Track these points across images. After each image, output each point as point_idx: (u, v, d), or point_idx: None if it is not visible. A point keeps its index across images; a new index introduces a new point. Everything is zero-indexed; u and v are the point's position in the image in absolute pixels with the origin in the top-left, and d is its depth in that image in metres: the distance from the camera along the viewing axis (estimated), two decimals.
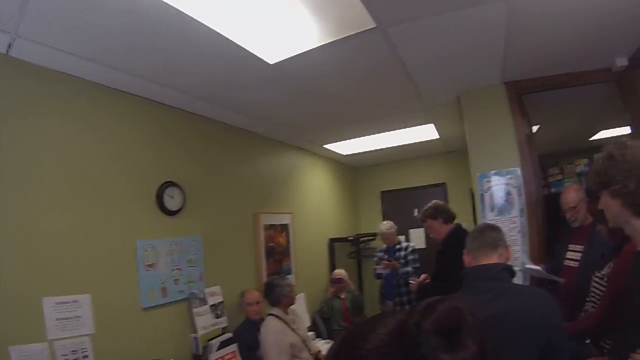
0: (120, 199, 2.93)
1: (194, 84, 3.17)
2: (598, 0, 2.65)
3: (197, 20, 2.28)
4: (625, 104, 3.90)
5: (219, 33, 2.43)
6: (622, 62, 3.64)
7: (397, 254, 5.31)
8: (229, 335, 3.50)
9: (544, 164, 7.08)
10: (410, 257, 5.26)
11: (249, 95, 3.53)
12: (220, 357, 3.25)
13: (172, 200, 3.33)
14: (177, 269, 3.27)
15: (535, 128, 5.49)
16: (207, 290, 3.52)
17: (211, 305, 3.50)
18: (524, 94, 4.13)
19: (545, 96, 4.35)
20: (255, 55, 2.79)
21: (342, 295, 5.30)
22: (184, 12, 2.18)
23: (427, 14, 2.61)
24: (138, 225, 3.04)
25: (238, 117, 4.06)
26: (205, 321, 3.39)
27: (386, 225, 5.44)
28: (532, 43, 3.22)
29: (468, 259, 2.06)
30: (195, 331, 3.31)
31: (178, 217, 3.39)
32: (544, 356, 1.80)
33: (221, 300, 3.63)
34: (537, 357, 1.79)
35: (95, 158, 2.80)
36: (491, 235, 2.04)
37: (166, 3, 2.08)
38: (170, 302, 3.18)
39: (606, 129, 6.45)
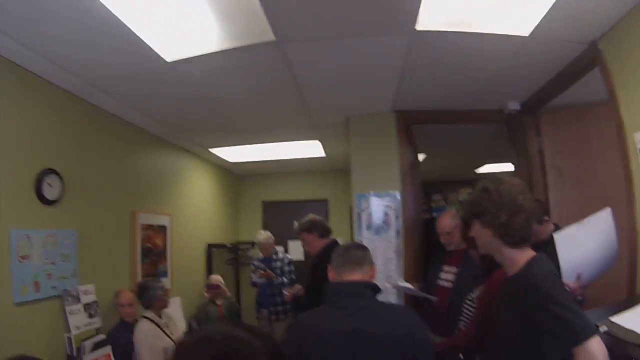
0: None
1: (84, 67, 2.98)
2: (498, 48, 2.92)
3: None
4: (512, 143, 4.32)
5: (116, 15, 2.30)
6: (514, 105, 4.03)
7: (273, 264, 5.37)
8: (102, 336, 3.30)
9: (428, 190, 7.63)
10: (286, 269, 5.36)
11: (140, 89, 3.43)
12: (94, 359, 3.05)
13: (51, 189, 3.09)
14: (51, 263, 3.01)
15: (421, 156, 5.87)
16: (80, 287, 3.29)
17: (85, 304, 3.28)
18: (413, 124, 4.41)
19: (436, 128, 4.68)
20: (153, 49, 2.71)
21: (219, 302, 5.22)
22: None
23: (329, 37, 2.71)
24: (13, 212, 2.76)
25: (127, 110, 3.91)
26: (78, 320, 3.17)
27: (264, 236, 5.49)
28: (428, 77, 3.44)
29: (332, 275, 2.09)
30: (68, 331, 3.08)
31: (55, 208, 3.14)
32: None
33: (95, 299, 3.41)
34: None
35: None
36: (356, 254, 2.09)
37: None
38: (43, 298, 2.92)
39: (492, 162, 6.99)
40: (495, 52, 3.00)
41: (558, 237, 2.22)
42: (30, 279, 2.82)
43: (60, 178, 3.18)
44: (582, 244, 2.25)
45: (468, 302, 2.67)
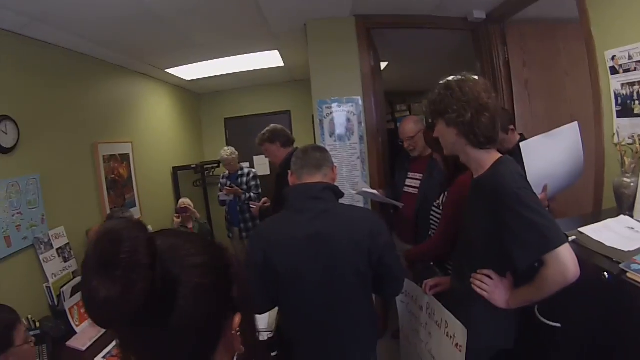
0: None
1: (27, 2, 2.74)
2: None
3: None
4: (476, 54, 4.26)
5: None
6: (479, 14, 3.93)
7: (239, 180, 5.40)
8: (80, 279, 3.33)
9: (392, 101, 7.59)
10: (252, 183, 5.39)
11: (85, 14, 3.16)
12: (75, 304, 3.08)
13: (7, 136, 2.95)
14: (18, 213, 2.96)
15: (384, 64, 5.75)
16: (51, 232, 3.26)
17: (57, 249, 3.27)
18: (374, 28, 4.26)
19: (398, 34, 4.53)
20: None
21: (189, 225, 5.28)
22: None
23: None
24: None
25: (75, 39, 3.64)
26: (54, 267, 3.18)
27: (227, 152, 5.46)
28: None
29: (292, 179, 2.08)
30: (46, 280, 3.09)
31: (13, 155, 3.02)
32: (379, 278, 1.91)
33: (67, 242, 3.40)
34: (368, 277, 1.89)
35: None
36: (315, 156, 2.06)
37: None
38: (16, 252, 2.89)
39: (457, 74, 6.94)
40: None
41: (525, 146, 2.23)
42: (0, 235, 2.78)
43: (15, 123, 3.04)
44: (549, 155, 2.28)
45: (434, 208, 2.68)
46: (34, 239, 3.08)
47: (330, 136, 4.14)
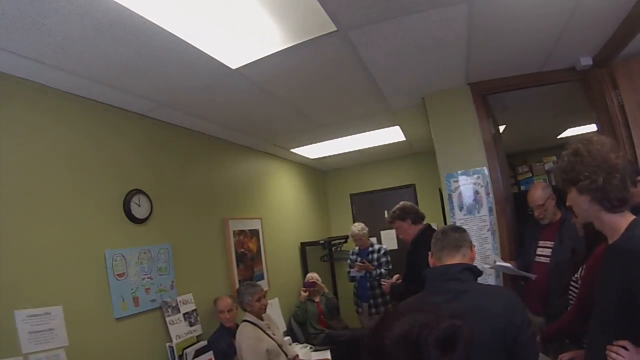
0: (86, 209, 2.83)
1: (155, 90, 3.11)
2: (560, 4, 2.72)
3: (155, 24, 2.23)
4: (590, 102, 4.00)
5: (178, 37, 2.39)
6: (586, 61, 3.73)
7: (369, 256, 5.34)
8: (203, 343, 3.45)
9: (513, 163, 7.26)
10: (383, 259, 5.30)
11: (211, 100, 3.50)
12: None
13: (139, 208, 3.26)
14: (148, 277, 3.19)
15: (502, 128, 5.60)
16: (179, 298, 3.45)
17: (184, 313, 3.44)
18: (488, 94, 4.21)
19: (511, 96, 4.43)
20: (217, 60, 2.76)
21: (316, 299, 5.28)
22: (142, 15, 2.13)
23: (387, 18, 2.63)
24: (106, 234, 2.95)
25: (202, 122, 4.02)
26: (179, 329, 3.33)
27: (358, 227, 5.45)
28: (495, 44, 3.27)
29: (432, 261, 2.09)
30: (170, 340, 3.24)
31: (146, 225, 3.32)
32: (512, 357, 1.81)
33: (194, 307, 3.57)
34: (504, 357, 1.80)
35: (56, 168, 2.71)
36: (454, 236, 2.07)
37: (123, 5, 2.02)
38: (142, 312, 3.09)
39: (573, 126, 6.59)
40: (556, 7, 2.78)
41: None
42: (129, 295, 3.00)
43: (147, 197, 3.35)
44: None
45: (573, 282, 2.55)
46: (162, 302, 3.27)
47: (460, 210, 4.03)
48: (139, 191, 3.27)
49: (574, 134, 6.84)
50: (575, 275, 2.52)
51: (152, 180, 3.48)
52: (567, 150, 1.68)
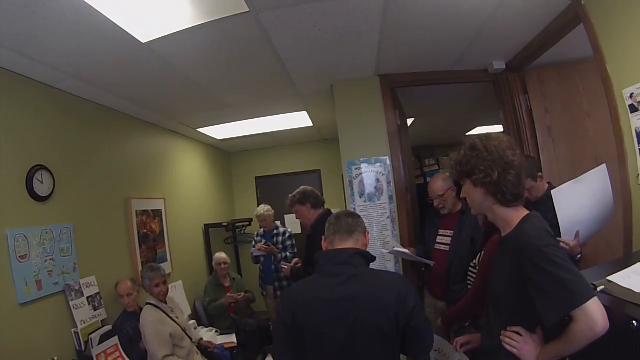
0: None
1: (63, 59, 2.91)
2: (478, 5, 2.86)
3: None
4: (499, 103, 4.28)
5: (89, 3, 2.24)
6: (499, 65, 3.98)
7: (274, 238, 5.36)
8: (108, 327, 3.32)
9: (420, 155, 7.63)
10: (287, 243, 5.35)
11: (119, 74, 3.34)
12: (102, 352, 3.04)
13: (42, 185, 3.05)
14: (50, 259, 3.00)
15: (410, 120, 5.83)
16: (82, 280, 3.28)
17: (88, 297, 3.28)
18: (397, 87, 4.34)
19: (423, 90, 4.60)
20: (127, 32, 2.64)
21: (226, 283, 5.23)
22: None
23: (300, 2, 2.64)
24: (7, 213, 2.74)
25: (109, 97, 3.82)
26: (83, 314, 3.17)
27: (264, 208, 5.45)
28: (409, 38, 3.37)
29: (325, 244, 2.11)
30: (74, 325, 3.08)
31: (48, 203, 3.11)
32: (407, 340, 1.90)
33: (97, 291, 3.41)
34: (395, 340, 1.88)
35: None
36: (347, 222, 2.09)
37: None
38: (46, 296, 2.91)
39: (482, 125, 6.98)
40: (474, 9, 2.92)
41: (556, 193, 2.22)
42: (32, 278, 2.81)
43: (50, 173, 3.14)
44: (579, 201, 2.24)
45: (471, 268, 2.68)
46: (65, 285, 3.10)
47: (360, 196, 4.17)
48: (42, 167, 3.06)
49: (483, 131, 7.26)
50: (473, 261, 2.64)
51: (56, 155, 3.26)
52: (465, 144, 1.76)
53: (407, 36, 3.32)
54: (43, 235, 2.98)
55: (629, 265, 1.87)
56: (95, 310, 3.31)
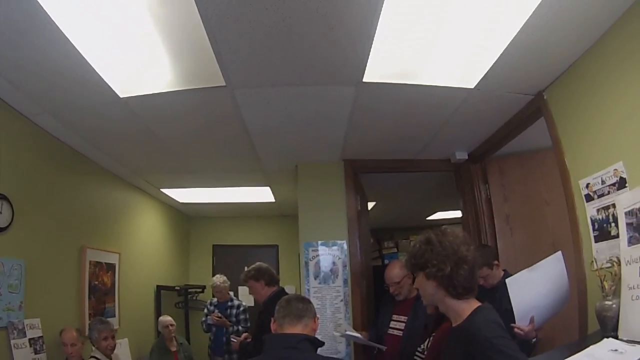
0: None
1: (43, 94, 2.91)
2: (444, 99, 3.04)
3: (57, 26, 2.12)
4: (459, 192, 4.44)
5: (76, 47, 2.30)
6: (461, 155, 4.17)
7: (228, 311, 5.27)
8: None
9: (380, 237, 7.73)
10: (242, 317, 5.28)
11: (93, 122, 3.37)
12: None
13: (0, 215, 2.94)
14: None
15: (371, 204, 5.95)
16: (26, 321, 3.07)
17: (30, 339, 3.06)
18: (361, 173, 4.50)
19: (386, 176, 4.75)
20: (107, 83, 2.70)
21: (173, 348, 4.99)
22: (47, 11, 2.01)
23: (275, 84, 2.80)
24: None
25: (80, 141, 3.81)
26: (23, 356, 2.94)
27: (220, 279, 5.38)
28: (375, 127, 3.55)
29: (274, 327, 2.13)
30: None
31: (4, 235, 2.98)
32: None
33: (41, 334, 3.19)
34: None
35: None
36: (297, 306, 2.12)
37: None
38: None
39: (442, 210, 7.14)
40: (441, 103, 3.11)
41: (510, 282, 2.26)
42: None
43: (10, 205, 3.04)
44: (534, 288, 2.30)
45: (418, 353, 2.67)
46: (8, 322, 2.90)
47: (315, 278, 4.21)
48: (2, 197, 2.96)
49: (443, 217, 7.45)
50: (422, 346, 2.64)
51: (20, 187, 3.17)
52: (421, 238, 1.80)
53: (376, 123, 3.48)
54: None
55: (583, 349, 1.92)
56: (36, 354, 3.09)
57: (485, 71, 2.64)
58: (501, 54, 2.44)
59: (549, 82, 2.87)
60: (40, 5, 1.96)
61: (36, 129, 3.39)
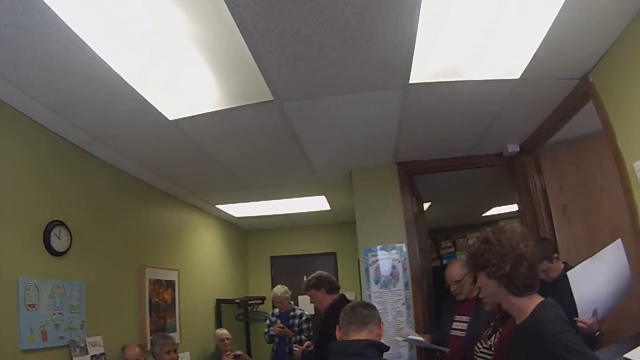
0: (5, 232, 2.68)
1: (94, 124, 3.10)
2: (491, 93, 2.99)
3: (105, 61, 2.26)
4: (514, 185, 4.33)
5: (123, 78, 2.43)
6: (513, 148, 4.06)
7: (290, 321, 5.27)
8: None
9: (437, 238, 7.61)
10: (304, 326, 5.25)
11: (145, 146, 3.52)
12: None
13: (59, 240, 3.12)
14: (59, 313, 3.00)
15: (427, 205, 5.88)
16: (88, 339, 3.25)
17: (92, 356, 3.23)
18: (415, 174, 4.45)
19: (439, 175, 4.66)
20: (155, 108, 2.82)
21: None
22: (94, 49, 2.15)
23: (323, 95, 2.82)
24: (23, 262, 2.79)
25: (133, 165, 3.99)
26: None
27: (281, 290, 5.40)
28: (426, 128, 3.51)
29: (339, 334, 2.14)
30: None
31: (63, 259, 3.16)
32: None
33: (103, 351, 3.36)
34: None
35: None
36: (362, 313, 2.13)
37: (77, 35, 2.04)
38: (49, 347, 2.88)
39: (497, 206, 6.98)
40: (488, 97, 3.05)
41: (572, 274, 2.20)
42: (38, 328, 2.80)
43: (68, 230, 3.22)
44: (596, 279, 2.23)
45: (483, 351, 2.60)
46: (70, 340, 3.07)
47: (376, 283, 4.20)
48: (60, 223, 3.15)
49: (499, 212, 7.27)
50: (489, 342, 2.55)
51: (77, 214, 3.36)
52: (479, 237, 1.79)
53: (425, 123, 3.46)
54: (54, 289, 3.01)
55: None
56: None
57: (529, 60, 2.58)
58: (542, 40, 2.37)
59: (593, 63, 2.74)
60: (84, 42, 2.09)
61: (90, 157, 3.61)
